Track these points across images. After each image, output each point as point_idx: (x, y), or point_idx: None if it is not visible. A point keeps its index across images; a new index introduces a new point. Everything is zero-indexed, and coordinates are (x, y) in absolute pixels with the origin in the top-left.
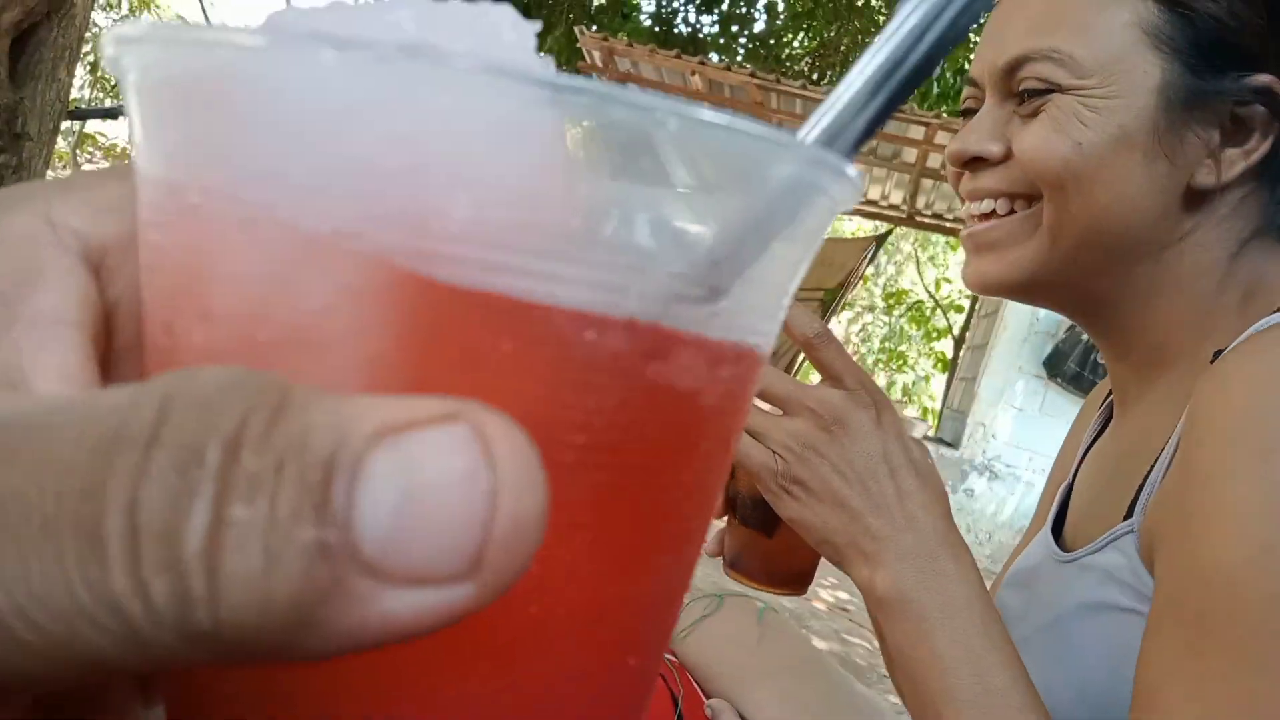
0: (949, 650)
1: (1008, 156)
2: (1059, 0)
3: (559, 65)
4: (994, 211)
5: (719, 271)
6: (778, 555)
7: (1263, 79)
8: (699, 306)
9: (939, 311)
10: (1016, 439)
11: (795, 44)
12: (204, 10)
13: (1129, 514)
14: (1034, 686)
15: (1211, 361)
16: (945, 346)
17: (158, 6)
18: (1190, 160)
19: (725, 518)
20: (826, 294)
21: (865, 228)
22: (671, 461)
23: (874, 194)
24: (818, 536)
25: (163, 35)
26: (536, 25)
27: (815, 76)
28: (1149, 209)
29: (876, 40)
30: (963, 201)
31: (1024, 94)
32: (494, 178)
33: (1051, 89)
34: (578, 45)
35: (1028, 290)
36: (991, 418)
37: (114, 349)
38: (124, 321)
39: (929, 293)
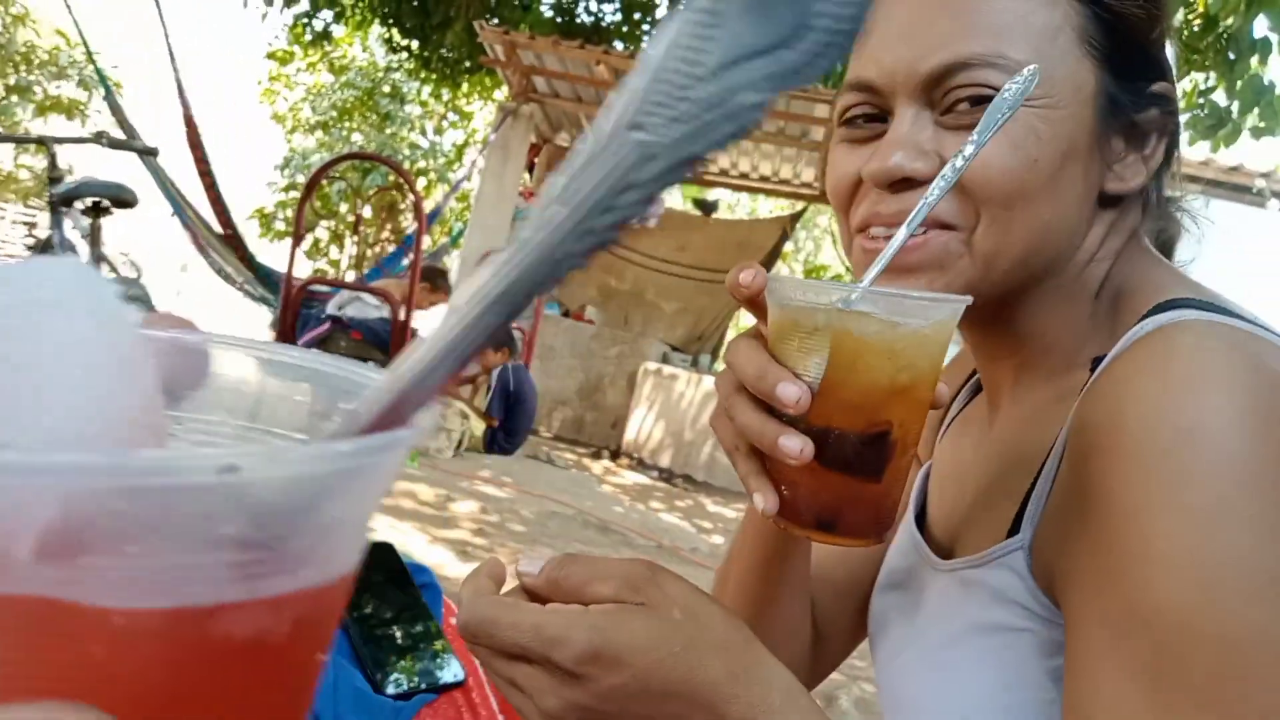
0: None
1: (936, 174)
2: (986, 0)
3: (461, 60)
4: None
5: (282, 555)
6: (886, 497)
7: (1161, 85)
8: (273, 577)
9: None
10: None
11: None
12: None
13: (1015, 528)
14: None
15: (1091, 369)
16: None
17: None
18: (1107, 166)
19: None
20: None
21: (782, 206)
22: (269, 692)
23: (786, 174)
24: None
25: None
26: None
27: None
28: (1077, 221)
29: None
30: (859, 228)
31: (963, 101)
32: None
33: None
34: (478, 40)
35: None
36: None
37: None
38: None
39: (847, 266)
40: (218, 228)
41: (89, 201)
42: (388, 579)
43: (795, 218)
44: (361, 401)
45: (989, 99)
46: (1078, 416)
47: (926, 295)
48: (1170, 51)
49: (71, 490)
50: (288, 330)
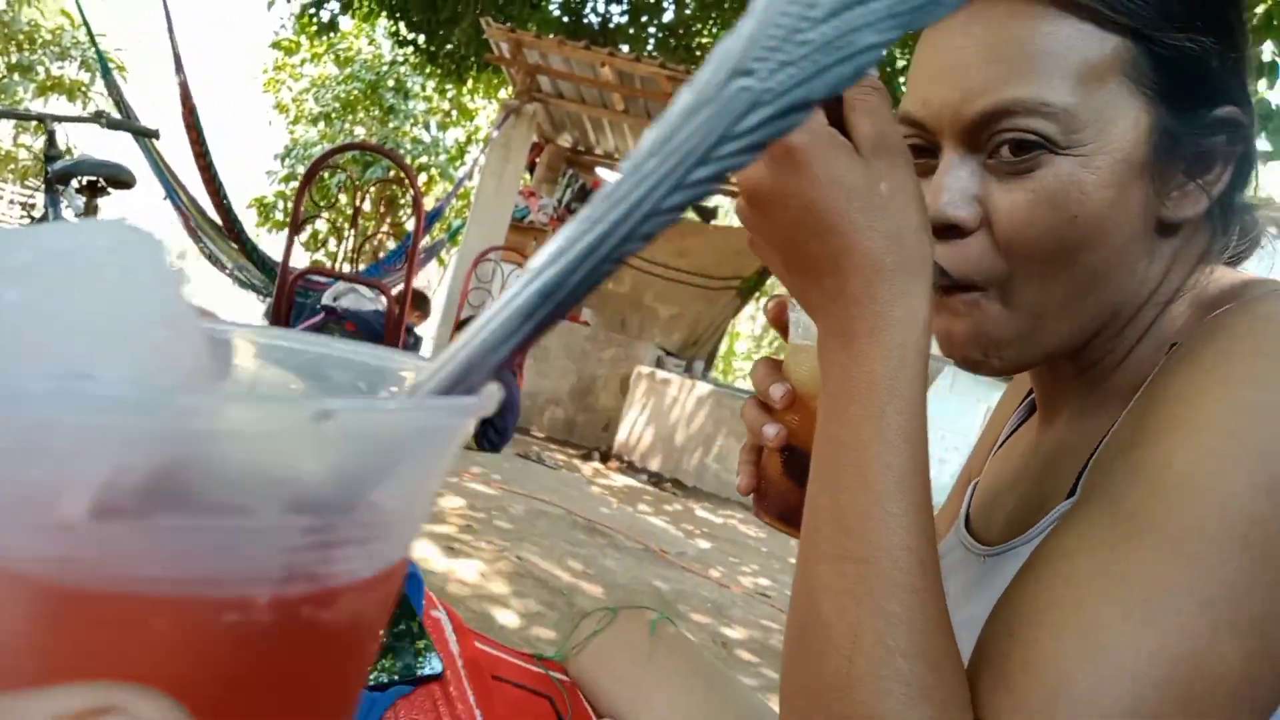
0: (854, 483)
1: (980, 223)
2: (1030, 37)
3: (467, 56)
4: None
5: (354, 523)
6: None
7: (1226, 110)
8: (342, 562)
9: None
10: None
11: (705, 34)
12: None
13: (1072, 494)
14: (936, 570)
15: (1168, 352)
16: None
17: None
18: (1166, 196)
19: (763, 465)
20: (743, 282)
21: None
22: (329, 680)
23: None
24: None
25: None
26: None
27: None
28: (1132, 255)
29: (529, 269)
30: None
31: (1005, 145)
32: (110, 484)
33: (1043, 146)
34: (484, 37)
35: (1014, 373)
36: None
37: None
38: None
39: None
40: (211, 213)
41: (85, 181)
42: None
43: None
44: (426, 370)
45: (1032, 145)
46: (1159, 369)
47: None
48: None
49: (156, 432)
50: (282, 319)
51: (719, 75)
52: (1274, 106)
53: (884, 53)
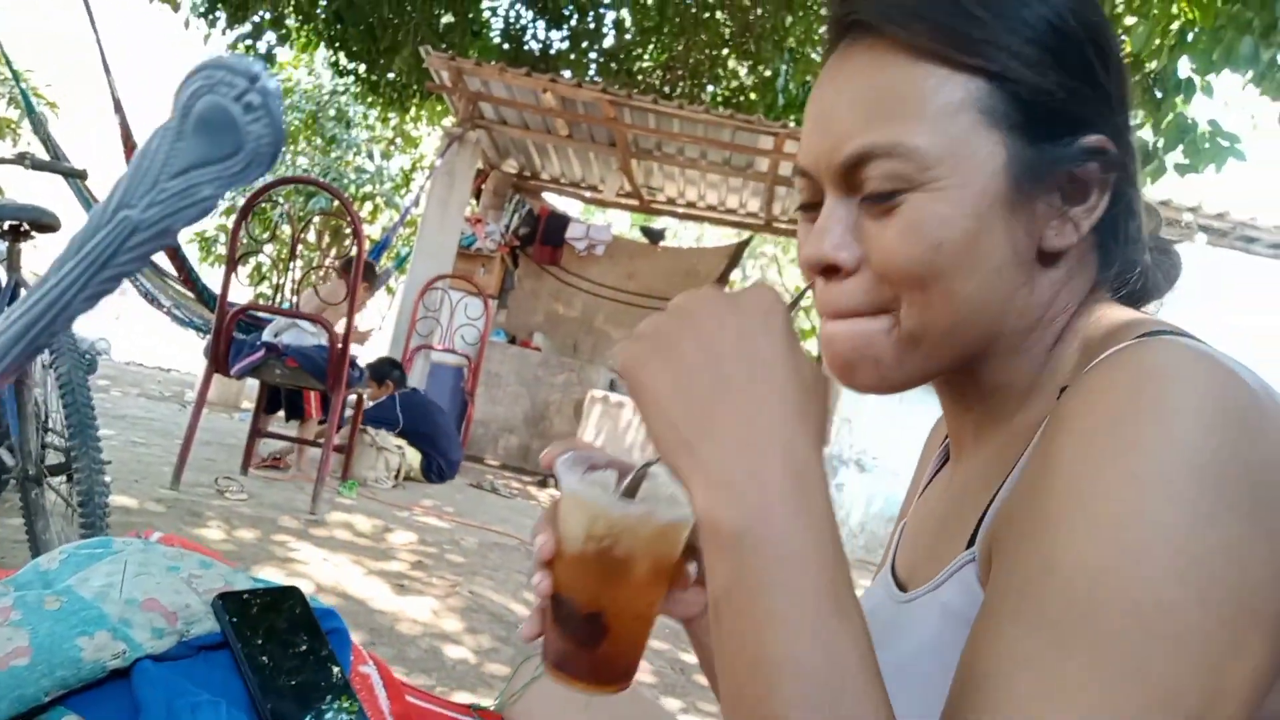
0: (789, 612)
1: (860, 261)
2: (887, 84)
3: (409, 85)
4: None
5: None
6: (603, 663)
7: (1093, 139)
8: None
9: (803, 312)
10: (882, 432)
11: (645, 58)
12: None
13: (970, 544)
14: (879, 673)
15: (1058, 397)
16: (810, 346)
17: None
18: (1040, 225)
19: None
20: None
21: (729, 234)
22: None
23: (732, 203)
24: (649, 430)
25: None
26: None
27: (667, 90)
28: (1009, 283)
29: None
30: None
31: (872, 196)
32: None
33: (902, 189)
34: (425, 66)
35: (894, 391)
36: (856, 412)
37: None
38: None
39: (790, 294)
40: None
41: (7, 225)
42: (292, 626)
43: (741, 246)
44: None
45: (893, 184)
46: (1049, 420)
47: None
48: (1120, 95)
49: None
50: (220, 357)
51: (110, 207)
52: (1190, 121)
53: (215, 202)
